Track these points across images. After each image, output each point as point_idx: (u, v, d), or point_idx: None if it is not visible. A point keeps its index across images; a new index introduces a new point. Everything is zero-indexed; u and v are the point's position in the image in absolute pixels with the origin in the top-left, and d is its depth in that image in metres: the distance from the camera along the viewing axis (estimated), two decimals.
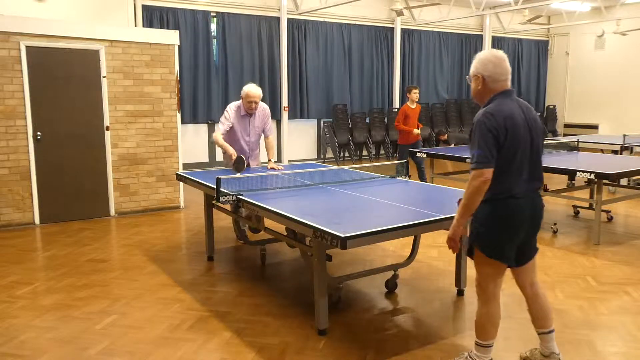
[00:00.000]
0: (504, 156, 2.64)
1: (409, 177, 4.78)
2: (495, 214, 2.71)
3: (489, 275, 2.82)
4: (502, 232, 2.73)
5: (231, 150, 5.11)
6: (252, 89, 5.28)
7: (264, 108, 5.48)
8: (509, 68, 2.76)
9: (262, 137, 5.60)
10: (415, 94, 7.91)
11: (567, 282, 4.40)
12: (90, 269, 4.79)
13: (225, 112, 5.38)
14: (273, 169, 5.22)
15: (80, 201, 6.57)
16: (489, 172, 2.60)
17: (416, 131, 7.90)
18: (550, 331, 2.97)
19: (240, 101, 5.38)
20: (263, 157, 5.70)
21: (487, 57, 2.75)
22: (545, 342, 2.98)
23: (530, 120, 2.74)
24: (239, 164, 4.90)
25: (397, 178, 4.77)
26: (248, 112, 5.34)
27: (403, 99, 13.47)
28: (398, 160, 7.64)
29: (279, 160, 11.72)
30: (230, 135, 5.35)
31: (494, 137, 2.60)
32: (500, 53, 2.76)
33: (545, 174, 3.01)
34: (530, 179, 2.74)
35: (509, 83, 2.77)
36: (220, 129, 5.28)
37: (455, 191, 4.58)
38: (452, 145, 8.47)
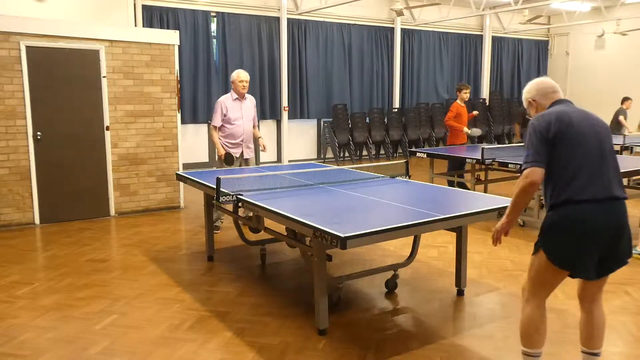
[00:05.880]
0: (559, 157, 2.56)
1: (409, 177, 4.78)
2: (559, 221, 2.58)
3: (546, 282, 2.68)
4: (570, 241, 2.55)
5: (220, 148, 5.89)
6: (242, 72, 5.98)
7: (252, 97, 6.16)
8: (555, 83, 2.85)
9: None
10: (466, 94, 7.57)
11: (567, 282, 4.37)
12: (90, 269, 4.79)
13: (216, 105, 5.95)
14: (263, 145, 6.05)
15: (80, 201, 6.57)
16: (536, 172, 2.54)
17: (466, 130, 7.55)
18: (594, 353, 2.77)
19: (227, 93, 6.04)
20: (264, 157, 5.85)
21: (529, 84, 2.91)
22: None
23: (592, 123, 2.64)
24: (228, 159, 5.84)
25: (397, 178, 4.76)
26: (240, 95, 5.94)
27: (403, 99, 13.49)
28: (449, 164, 7.43)
29: (278, 160, 11.77)
30: (228, 126, 5.91)
31: (543, 137, 2.56)
32: (542, 77, 2.94)
33: None
34: (601, 184, 2.55)
35: (561, 95, 2.81)
36: (217, 121, 5.89)
37: (455, 191, 4.58)
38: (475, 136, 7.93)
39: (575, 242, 2.55)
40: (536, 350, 2.69)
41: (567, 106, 2.72)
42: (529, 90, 2.88)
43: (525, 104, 2.91)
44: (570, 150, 2.56)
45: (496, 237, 2.79)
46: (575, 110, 2.69)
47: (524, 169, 2.59)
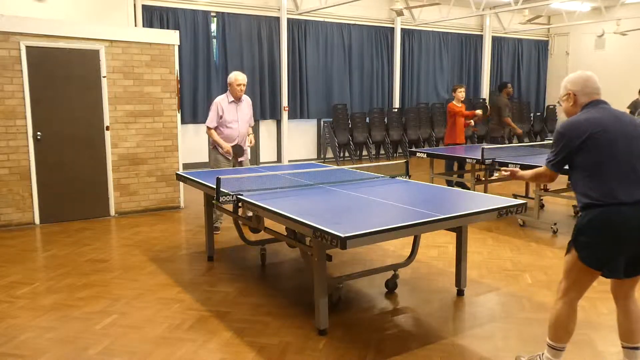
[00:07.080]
0: (590, 160, 2.62)
1: (409, 177, 4.78)
2: (595, 222, 2.61)
3: (577, 281, 2.73)
4: (605, 242, 2.60)
5: (225, 144, 5.77)
6: (240, 74, 5.84)
7: (248, 98, 6.04)
8: (599, 84, 2.80)
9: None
10: (461, 93, 7.78)
11: None
12: (90, 269, 4.79)
13: (212, 106, 5.87)
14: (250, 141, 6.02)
15: (80, 201, 6.56)
16: (550, 175, 2.86)
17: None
18: (635, 347, 2.79)
19: (223, 94, 5.92)
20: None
21: (576, 75, 2.84)
22: (628, 358, 2.84)
23: (624, 125, 2.67)
24: (238, 150, 5.81)
25: (397, 178, 4.76)
26: (236, 97, 5.83)
27: (403, 99, 13.49)
28: (446, 162, 7.64)
29: (278, 160, 11.77)
30: (222, 128, 5.85)
31: (567, 145, 2.67)
32: (590, 72, 2.84)
33: None
34: (633, 186, 2.58)
35: (600, 96, 2.79)
36: (213, 122, 5.82)
37: (455, 191, 4.58)
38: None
39: (606, 243, 2.60)
40: (559, 344, 2.78)
41: (600, 109, 2.72)
42: (575, 82, 2.82)
43: (562, 91, 2.88)
44: (600, 155, 2.60)
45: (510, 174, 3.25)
46: (607, 113, 2.70)
47: (546, 163, 2.86)
